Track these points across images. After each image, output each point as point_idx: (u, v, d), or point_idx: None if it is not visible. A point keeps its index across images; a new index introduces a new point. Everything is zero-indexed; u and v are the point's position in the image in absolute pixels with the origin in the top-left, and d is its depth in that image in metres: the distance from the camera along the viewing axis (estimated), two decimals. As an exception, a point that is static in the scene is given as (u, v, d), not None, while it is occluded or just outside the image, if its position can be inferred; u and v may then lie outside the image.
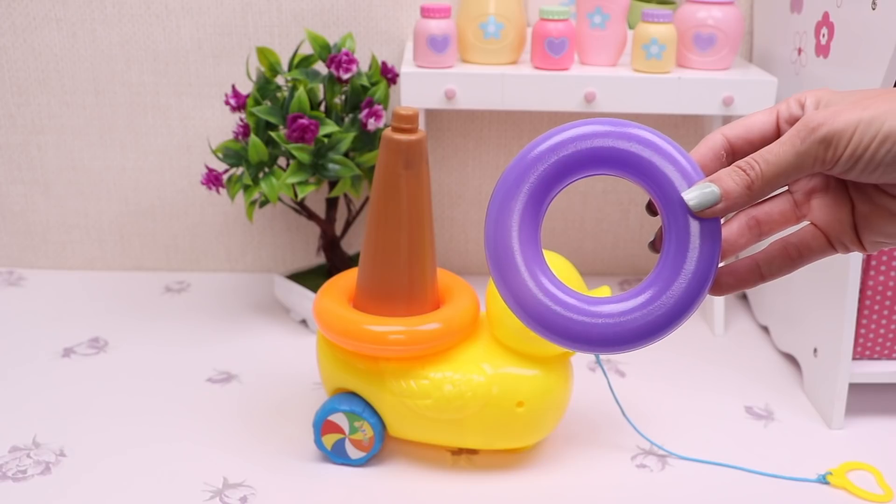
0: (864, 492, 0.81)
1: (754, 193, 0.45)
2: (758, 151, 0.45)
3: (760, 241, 0.50)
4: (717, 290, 0.48)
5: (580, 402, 0.93)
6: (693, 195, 0.45)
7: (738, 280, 0.49)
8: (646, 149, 0.45)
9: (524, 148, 0.46)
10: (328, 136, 0.98)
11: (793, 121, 0.47)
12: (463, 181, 1.21)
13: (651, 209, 0.50)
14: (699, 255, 0.45)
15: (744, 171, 0.44)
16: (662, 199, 0.46)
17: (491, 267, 0.46)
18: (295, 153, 0.95)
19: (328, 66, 1.00)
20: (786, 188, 0.49)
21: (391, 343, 0.77)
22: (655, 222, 1.24)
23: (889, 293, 0.90)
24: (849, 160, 0.42)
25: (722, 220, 0.47)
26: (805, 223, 0.49)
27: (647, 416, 0.92)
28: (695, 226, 0.45)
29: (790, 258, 0.49)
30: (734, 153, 0.48)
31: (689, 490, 0.81)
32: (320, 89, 1.05)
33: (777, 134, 0.48)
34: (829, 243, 0.48)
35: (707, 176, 0.47)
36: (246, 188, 0.98)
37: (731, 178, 0.45)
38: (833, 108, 0.43)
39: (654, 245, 0.49)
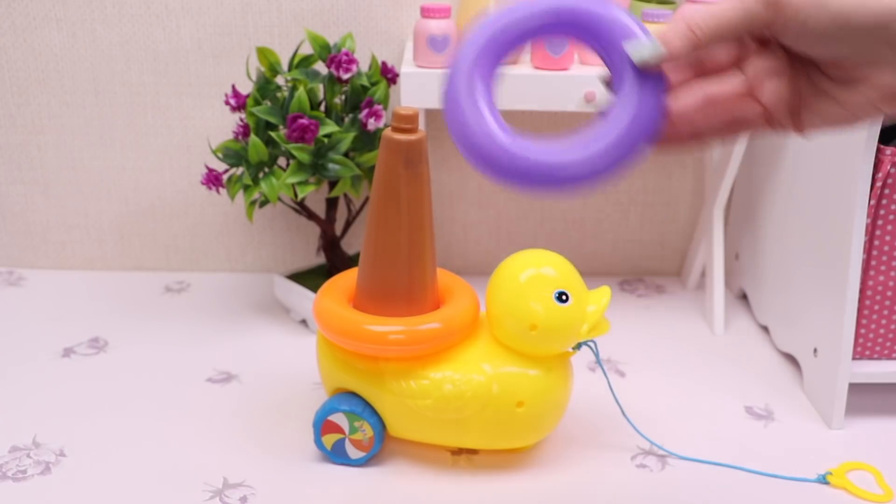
0: (864, 492, 0.81)
1: (698, 47, 0.46)
2: (706, 7, 0.46)
3: (701, 89, 0.50)
4: (660, 146, 0.50)
5: (580, 402, 0.93)
6: (634, 46, 0.47)
7: (678, 139, 0.50)
8: (595, 7, 0.48)
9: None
10: (328, 136, 0.98)
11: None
12: (463, 181, 1.21)
13: (608, 84, 0.51)
14: (640, 100, 0.47)
15: (691, 30, 0.46)
16: (610, 53, 0.48)
17: (445, 111, 0.49)
18: (295, 153, 0.95)
19: (328, 66, 1.00)
20: (741, 75, 0.50)
21: (391, 343, 0.77)
22: (653, 222, 1.24)
23: (889, 293, 0.90)
24: (792, 23, 0.44)
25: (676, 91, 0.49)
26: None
27: (647, 416, 0.92)
28: (641, 76, 0.47)
29: (729, 126, 0.50)
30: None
31: (689, 490, 0.81)
32: (320, 89, 1.05)
33: None
34: (767, 121, 0.49)
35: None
36: (246, 188, 0.98)
37: (677, 36, 0.46)
38: None
39: (607, 84, 0.51)
